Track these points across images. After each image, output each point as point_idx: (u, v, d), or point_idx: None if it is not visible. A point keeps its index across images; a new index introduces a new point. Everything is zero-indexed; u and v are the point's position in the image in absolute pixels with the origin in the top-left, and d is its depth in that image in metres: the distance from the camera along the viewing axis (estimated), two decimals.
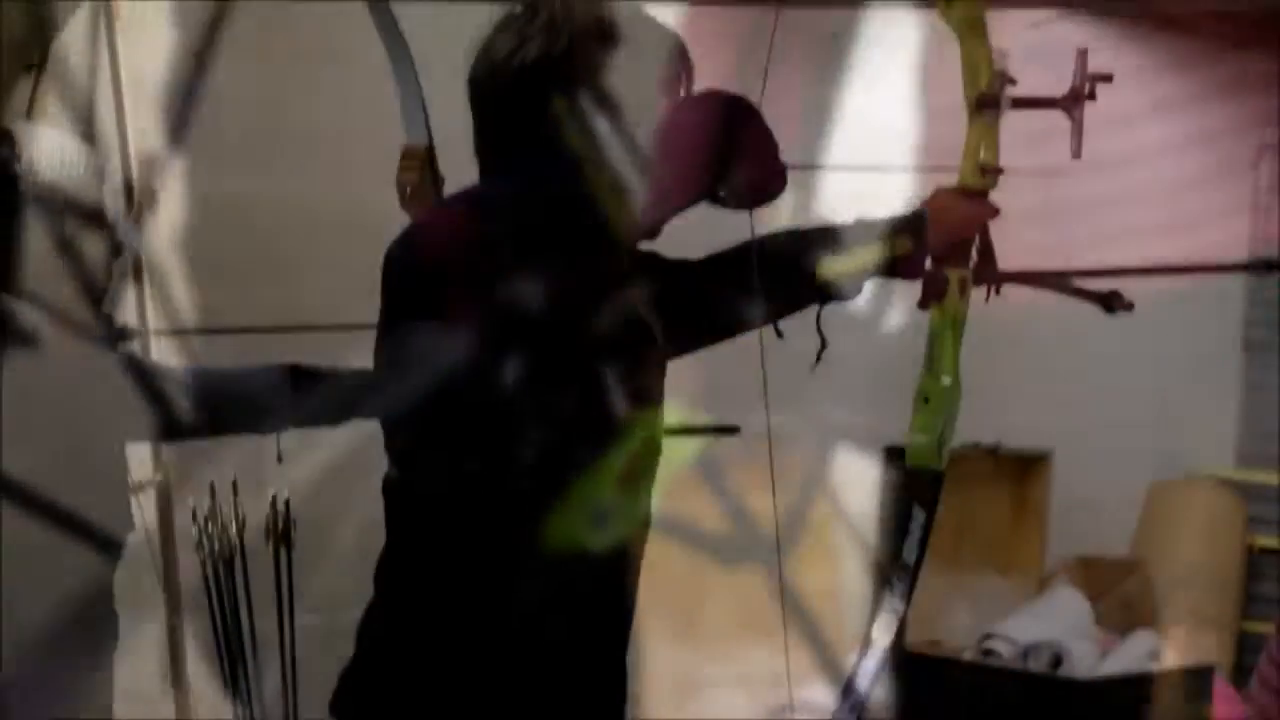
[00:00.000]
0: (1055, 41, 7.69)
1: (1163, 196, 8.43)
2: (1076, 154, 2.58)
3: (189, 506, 3.65)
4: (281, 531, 3.55)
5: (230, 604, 3.58)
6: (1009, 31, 7.40)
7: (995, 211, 2.61)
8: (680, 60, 2.42)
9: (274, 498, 3.47)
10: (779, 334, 2.64)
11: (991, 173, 2.57)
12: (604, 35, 2.34)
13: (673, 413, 2.52)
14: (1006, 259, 2.67)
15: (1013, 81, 2.53)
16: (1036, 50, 2.86)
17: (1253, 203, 9.01)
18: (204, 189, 4.84)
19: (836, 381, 6.86)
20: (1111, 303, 2.53)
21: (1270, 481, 8.37)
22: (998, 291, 2.64)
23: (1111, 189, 7.90)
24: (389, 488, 2.41)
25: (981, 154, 2.56)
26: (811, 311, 2.66)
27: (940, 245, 2.58)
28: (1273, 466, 8.57)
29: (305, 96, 5.03)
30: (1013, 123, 2.65)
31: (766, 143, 2.27)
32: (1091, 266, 2.66)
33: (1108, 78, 2.56)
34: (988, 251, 2.62)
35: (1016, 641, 7.10)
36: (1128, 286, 2.63)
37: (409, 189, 3.26)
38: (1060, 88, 2.60)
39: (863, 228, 2.59)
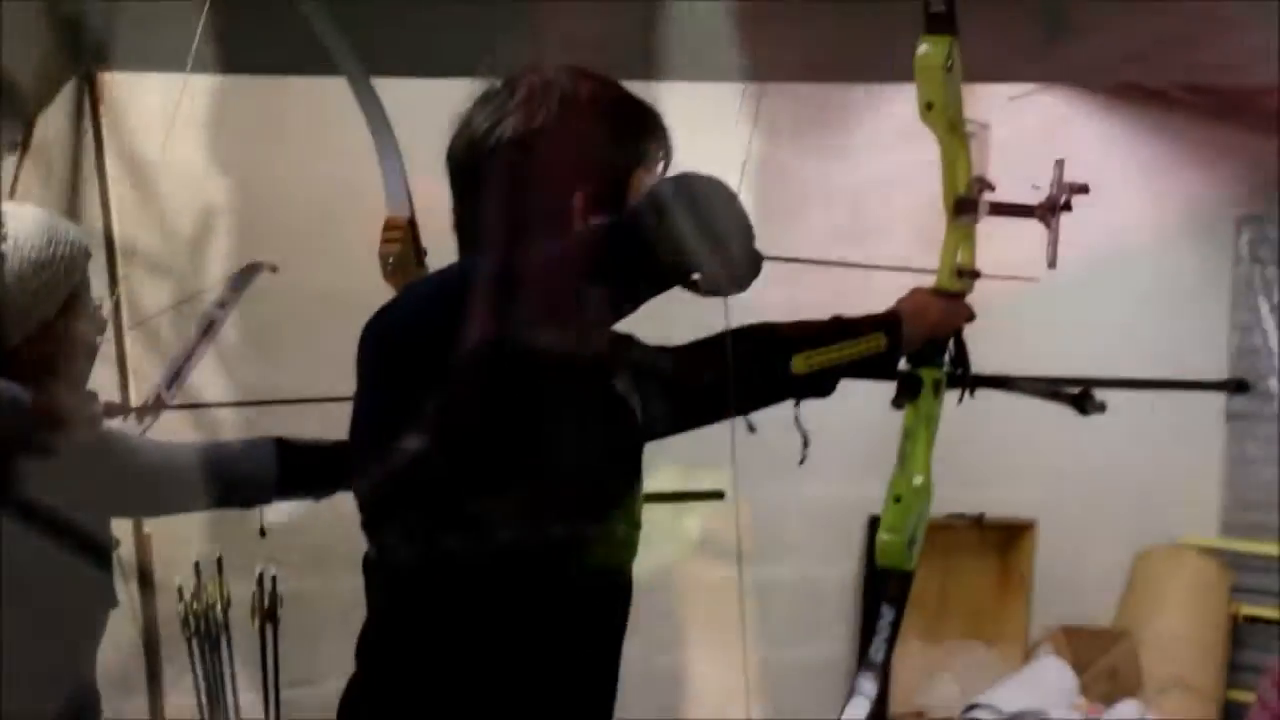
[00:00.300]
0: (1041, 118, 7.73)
1: (1145, 261, 8.48)
2: (1052, 264, 2.60)
3: (174, 585, 3.63)
4: (268, 609, 3.53)
5: (216, 682, 3.56)
6: (990, 105, 7.47)
7: (970, 314, 2.63)
8: (660, 138, 2.43)
9: (260, 575, 3.46)
10: (751, 428, 2.65)
11: (968, 275, 2.58)
12: (583, 113, 2.37)
13: (661, 479, 2.53)
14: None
15: (990, 187, 2.54)
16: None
17: (1233, 270, 9.06)
18: (186, 265, 4.85)
19: (824, 453, 6.89)
20: (1084, 404, 2.55)
21: (1254, 550, 8.37)
22: (972, 394, 2.65)
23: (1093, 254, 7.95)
24: (368, 565, 2.41)
25: (958, 257, 2.57)
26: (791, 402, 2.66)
27: (915, 345, 2.60)
28: (1256, 535, 8.58)
29: (288, 172, 5.05)
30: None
31: (742, 227, 2.26)
32: (1064, 373, 2.67)
33: (1084, 188, 2.57)
34: (962, 353, 2.63)
35: (1001, 711, 7.09)
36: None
37: (391, 260, 3.27)
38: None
39: (838, 326, 2.60)
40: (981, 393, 2.70)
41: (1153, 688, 8.09)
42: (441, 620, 2.36)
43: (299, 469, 2.87)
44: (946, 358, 2.61)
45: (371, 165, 4.59)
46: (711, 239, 2.25)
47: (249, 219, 4.99)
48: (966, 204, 2.53)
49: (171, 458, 2.88)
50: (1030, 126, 7.62)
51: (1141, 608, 8.43)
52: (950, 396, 2.59)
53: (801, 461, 2.65)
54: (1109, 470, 8.19)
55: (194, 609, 3.54)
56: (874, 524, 6.83)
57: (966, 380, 2.62)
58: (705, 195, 2.25)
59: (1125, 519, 8.43)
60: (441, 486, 2.32)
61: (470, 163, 2.39)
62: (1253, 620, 8.38)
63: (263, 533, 3.11)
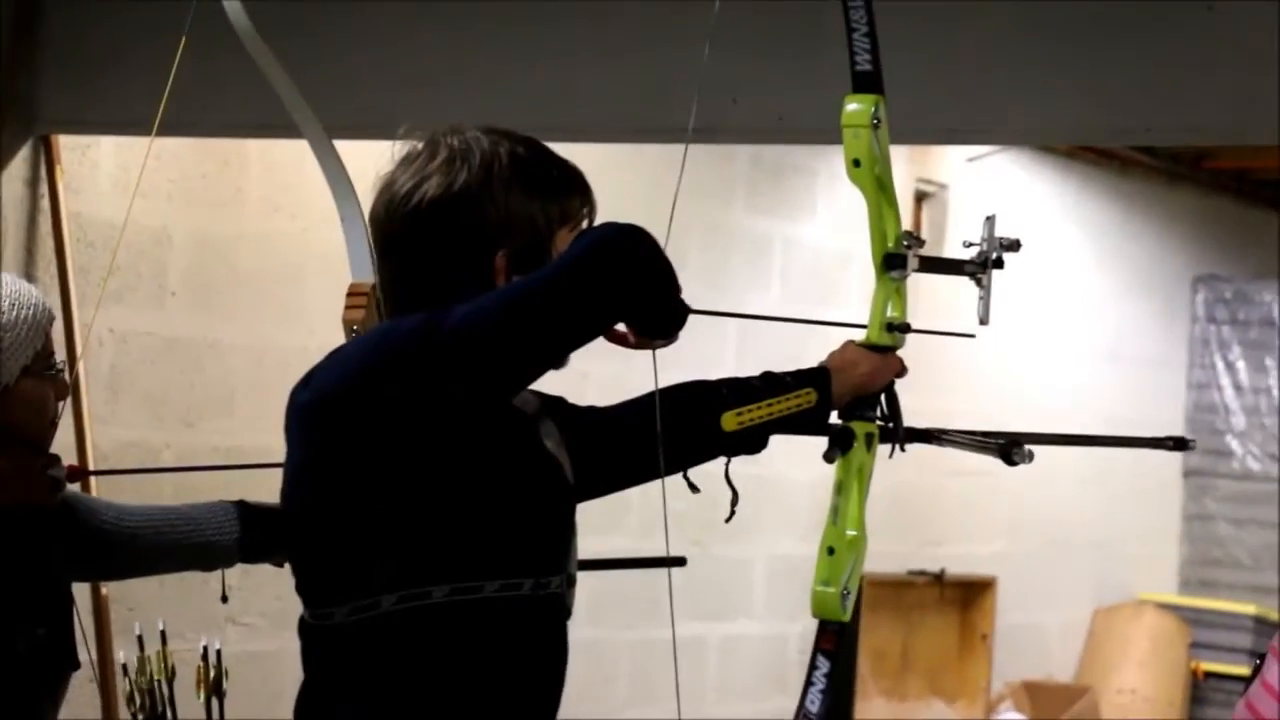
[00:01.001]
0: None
1: (1103, 320, 8.54)
2: (984, 320, 2.61)
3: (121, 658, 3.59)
4: (213, 682, 3.49)
5: None
6: (949, 166, 7.52)
7: (902, 367, 2.64)
8: (583, 196, 2.45)
9: (205, 649, 3.43)
10: (693, 488, 2.67)
11: (898, 329, 2.60)
12: (503, 173, 2.39)
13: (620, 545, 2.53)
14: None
15: (921, 242, 2.56)
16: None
17: (1190, 329, 9.13)
18: (148, 329, 4.84)
19: (782, 509, 6.91)
20: (1010, 455, 2.55)
21: (1213, 606, 8.40)
22: (902, 448, 2.66)
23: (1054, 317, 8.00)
24: (303, 628, 2.41)
25: (889, 311, 2.59)
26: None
27: (845, 399, 2.61)
28: (1215, 592, 8.60)
29: (251, 238, 5.05)
30: None
31: (662, 274, 2.28)
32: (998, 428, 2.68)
33: (1015, 245, 2.59)
34: (894, 406, 2.65)
35: None
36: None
37: (356, 327, 3.27)
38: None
39: (768, 381, 2.62)
40: (942, 453, 2.71)
41: None
42: (377, 681, 2.36)
43: (263, 531, 2.86)
44: (878, 411, 2.62)
45: (337, 226, 4.60)
46: (633, 287, 2.27)
47: (210, 283, 4.99)
48: (896, 259, 2.54)
49: (133, 520, 2.87)
50: (988, 188, 7.68)
51: (1101, 663, 8.45)
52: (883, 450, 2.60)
53: (729, 519, 2.66)
54: (1068, 527, 8.22)
55: (139, 683, 3.49)
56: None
57: (897, 434, 2.63)
58: (625, 244, 2.28)
59: (1085, 575, 8.46)
60: (368, 548, 2.34)
61: (391, 225, 2.41)
62: (1213, 676, 8.40)
63: (225, 598, 3.09)
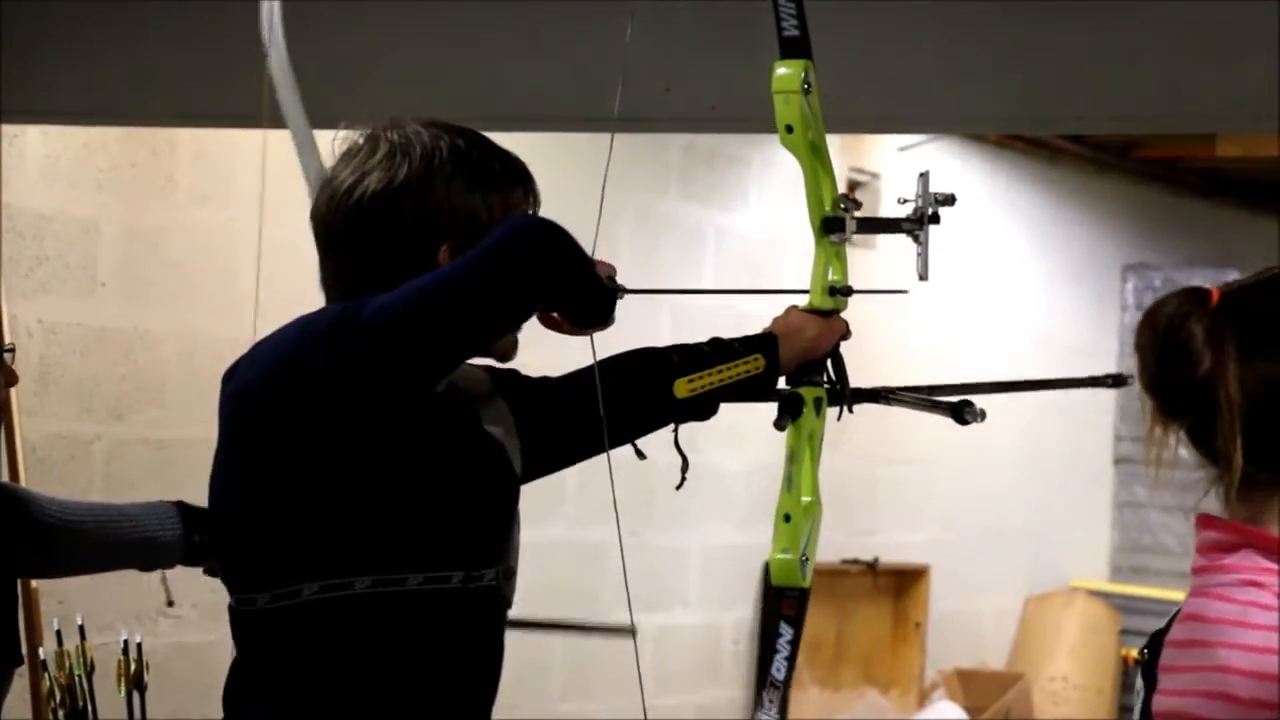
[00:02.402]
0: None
1: (1034, 308, 8.59)
2: (923, 276, 2.61)
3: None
4: (134, 676, 3.46)
5: None
6: (880, 155, 7.55)
7: (846, 329, 2.66)
8: (525, 186, 2.45)
9: (125, 643, 3.41)
10: (640, 455, 2.67)
11: (840, 293, 2.61)
12: (444, 165, 2.39)
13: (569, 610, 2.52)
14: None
15: (858, 204, 2.56)
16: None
17: (1120, 317, 9.19)
18: (77, 319, 4.81)
19: (718, 499, 6.93)
20: (963, 413, 2.56)
21: (1143, 593, 8.47)
22: (850, 410, 2.67)
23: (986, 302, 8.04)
24: (231, 614, 2.41)
25: (830, 275, 2.60)
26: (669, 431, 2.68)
27: (793, 364, 2.62)
28: (1145, 579, 8.67)
29: (181, 229, 5.02)
30: None
31: (575, 263, 2.30)
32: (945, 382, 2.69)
33: (950, 199, 2.59)
34: (840, 369, 2.65)
35: None
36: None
37: None
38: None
39: (716, 347, 2.63)
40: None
41: None
42: (293, 670, 2.36)
43: (203, 533, 2.83)
44: (825, 375, 2.63)
45: (268, 216, 4.58)
46: (544, 276, 2.28)
47: (138, 270, 4.96)
48: (834, 222, 2.54)
49: (76, 515, 2.84)
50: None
51: (1034, 651, 8.51)
52: (832, 415, 2.61)
53: (679, 486, 2.66)
54: (1001, 515, 8.27)
55: (58, 679, 3.46)
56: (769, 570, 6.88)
57: (845, 396, 2.63)
58: (535, 235, 2.29)
59: (1017, 563, 8.52)
60: (291, 536, 2.34)
61: (333, 220, 2.41)
62: (1141, 663, 8.47)
63: (170, 603, 3.07)
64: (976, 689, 8.02)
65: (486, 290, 2.24)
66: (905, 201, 2.61)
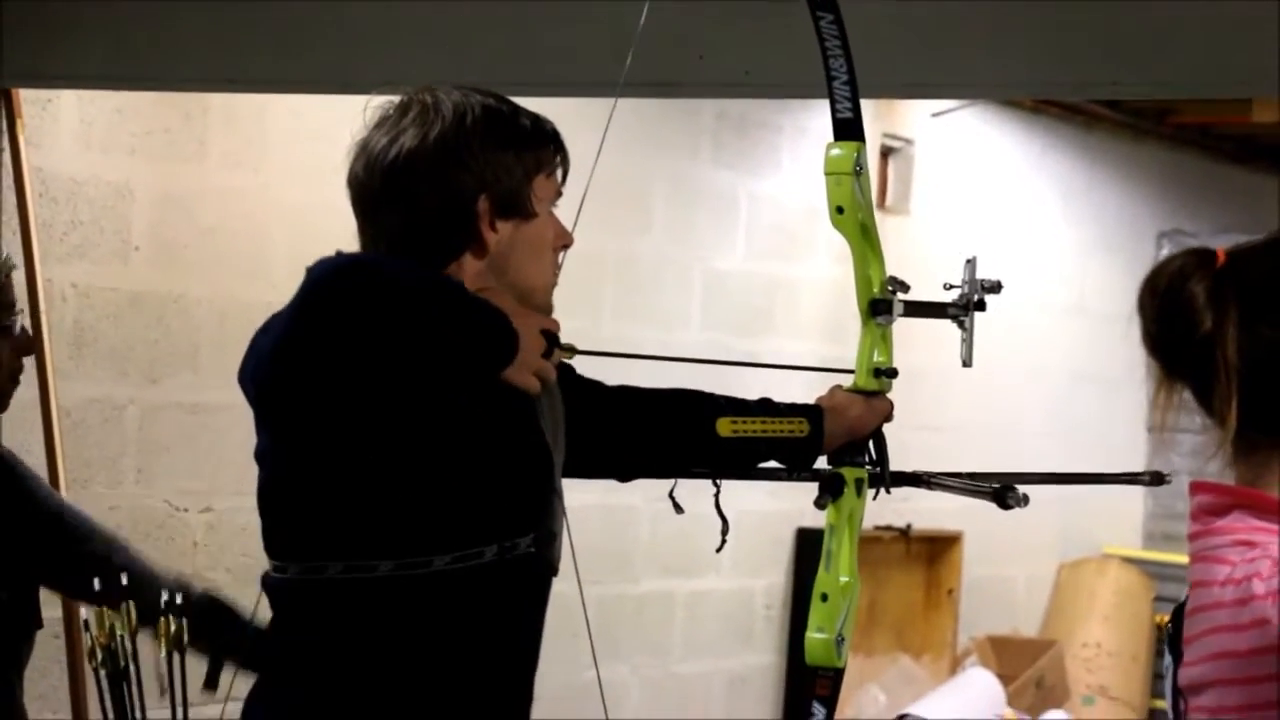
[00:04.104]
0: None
1: (1068, 275, 8.56)
2: (967, 362, 2.62)
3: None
4: (175, 636, 3.48)
5: (123, 714, 3.51)
6: (913, 121, 7.51)
7: (890, 410, 2.67)
8: (555, 146, 2.46)
9: (166, 604, 3.43)
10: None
11: (885, 375, 2.62)
12: (476, 123, 2.40)
13: None
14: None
15: (905, 287, 2.57)
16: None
17: None
18: (111, 284, 4.82)
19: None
20: (1005, 498, 2.57)
21: (1177, 560, 8.45)
22: (888, 492, 2.69)
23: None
24: (263, 581, 2.42)
25: (876, 356, 2.61)
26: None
27: (836, 442, 2.64)
28: (1179, 546, 8.65)
29: (214, 193, 5.03)
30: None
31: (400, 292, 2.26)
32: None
33: (997, 287, 2.59)
34: (881, 450, 2.67)
35: None
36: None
37: None
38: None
39: (764, 403, 2.66)
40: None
41: (1079, 697, 8.16)
42: (318, 647, 2.37)
43: (195, 619, 2.88)
44: (866, 456, 2.66)
45: (300, 181, 4.59)
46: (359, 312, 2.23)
47: (172, 235, 4.96)
48: (881, 304, 2.57)
49: (118, 558, 2.88)
50: (953, 142, 7.68)
51: (1067, 618, 8.50)
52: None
53: (719, 549, 2.70)
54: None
55: (98, 639, 3.48)
56: (802, 535, 6.89)
57: (885, 478, 2.66)
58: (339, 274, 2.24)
59: (1050, 530, 8.50)
60: (317, 513, 2.34)
61: (371, 182, 2.42)
62: None
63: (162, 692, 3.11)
64: (1009, 656, 8.02)
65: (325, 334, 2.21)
66: (951, 287, 2.62)
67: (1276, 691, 1.76)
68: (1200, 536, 1.87)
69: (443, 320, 2.23)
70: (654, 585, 6.52)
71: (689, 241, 6.48)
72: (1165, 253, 9.16)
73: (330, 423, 2.29)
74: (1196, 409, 1.93)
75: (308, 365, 2.23)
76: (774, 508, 6.64)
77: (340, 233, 2.49)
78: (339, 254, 2.29)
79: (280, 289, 2.31)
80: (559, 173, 2.50)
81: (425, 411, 2.30)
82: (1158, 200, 9.17)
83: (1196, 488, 1.90)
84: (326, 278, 2.23)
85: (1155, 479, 2.68)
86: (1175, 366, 1.92)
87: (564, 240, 2.52)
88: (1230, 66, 3.38)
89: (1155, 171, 9.14)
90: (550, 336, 2.36)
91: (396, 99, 2.45)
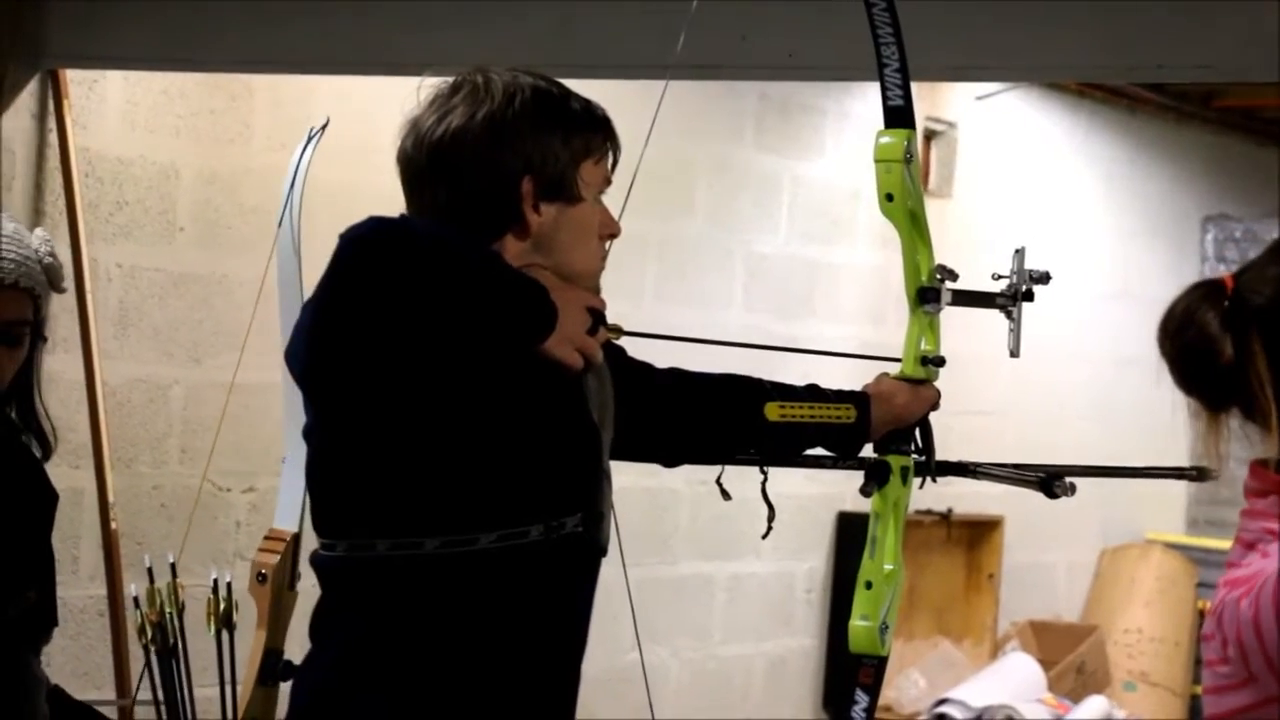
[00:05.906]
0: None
1: (1111, 259, 8.52)
2: (1015, 353, 2.62)
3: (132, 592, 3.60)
4: (223, 615, 3.50)
5: (172, 690, 3.53)
6: (957, 104, 7.48)
7: (937, 399, 2.67)
8: (605, 132, 2.47)
9: (215, 581, 3.45)
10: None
11: (933, 363, 2.62)
12: (525, 104, 2.40)
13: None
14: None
15: (954, 276, 2.57)
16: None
17: (1200, 269, 9.10)
18: (156, 264, 4.84)
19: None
20: (1052, 487, 2.57)
21: (1220, 546, 8.41)
22: (934, 480, 2.69)
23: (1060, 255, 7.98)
24: (312, 558, 2.43)
25: (923, 344, 2.61)
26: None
27: (883, 430, 2.64)
28: (1222, 532, 8.61)
29: (258, 174, 5.04)
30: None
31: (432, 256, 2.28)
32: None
33: (1045, 277, 2.59)
34: (928, 438, 2.67)
35: (970, 707, 7.11)
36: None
37: (264, 572, 3.26)
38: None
39: (811, 389, 2.66)
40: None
41: (1120, 683, 8.13)
42: (381, 621, 2.38)
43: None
44: (913, 444, 2.67)
45: (344, 163, 4.60)
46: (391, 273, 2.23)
47: (216, 216, 4.98)
48: (930, 293, 2.57)
49: None
50: (997, 126, 7.65)
51: (1108, 603, 8.47)
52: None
53: (765, 535, 2.71)
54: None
55: (149, 616, 3.51)
56: (843, 519, 6.88)
57: (930, 467, 2.66)
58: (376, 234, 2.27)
59: (1092, 515, 8.47)
60: (364, 492, 2.36)
61: (419, 157, 2.43)
62: None
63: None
64: (1050, 641, 8.00)
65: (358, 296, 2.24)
66: (1000, 277, 2.62)
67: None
68: (1244, 516, 1.90)
69: (475, 280, 2.25)
70: (694, 568, 6.53)
71: (731, 224, 6.47)
72: (1210, 237, 9.12)
73: (369, 393, 2.30)
74: (1249, 430, 1.95)
75: (342, 325, 2.25)
76: (815, 491, 6.64)
77: (384, 214, 2.50)
78: (370, 218, 2.31)
79: (322, 270, 2.32)
80: (608, 160, 2.50)
81: (462, 380, 2.30)
82: (1202, 184, 9.12)
83: (1250, 471, 1.93)
84: (357, 241, 2.26)
85: (1200, 474, 2.67)
86: (1215, 399, 1.95)
87: (611, 230, 2.51)
88: (1276, 50, 3.36)
89: (1200, 155, 9.09)
90: (596, 314, 2.36)
91: (450, 79, 2.47)
